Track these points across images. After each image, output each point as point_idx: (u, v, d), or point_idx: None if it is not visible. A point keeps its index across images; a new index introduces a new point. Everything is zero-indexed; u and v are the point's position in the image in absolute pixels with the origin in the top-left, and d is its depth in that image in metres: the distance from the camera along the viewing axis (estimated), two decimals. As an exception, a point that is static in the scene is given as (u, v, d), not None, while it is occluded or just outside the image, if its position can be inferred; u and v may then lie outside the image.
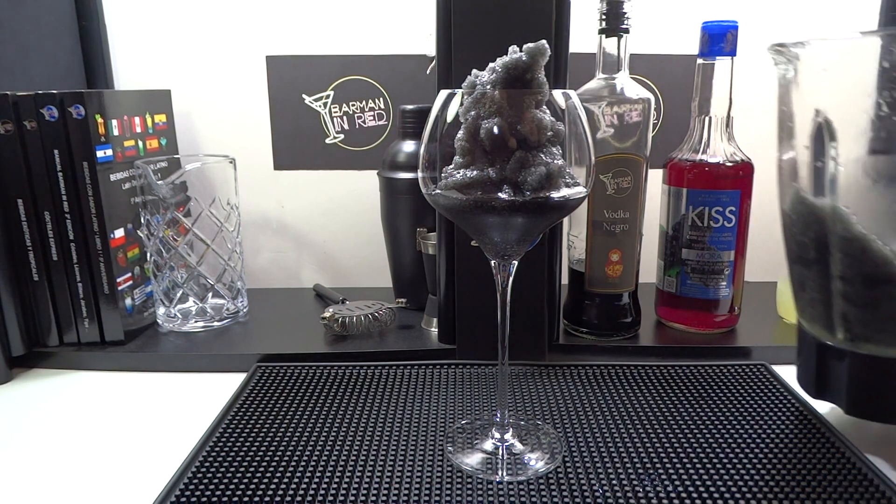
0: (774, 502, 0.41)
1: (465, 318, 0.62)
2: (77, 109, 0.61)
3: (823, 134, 0.42)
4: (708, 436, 0.49)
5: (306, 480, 0.43)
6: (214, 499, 0.42)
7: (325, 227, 0.87)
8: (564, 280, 0.69)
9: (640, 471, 0.44)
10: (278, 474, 0.44)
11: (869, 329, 0.44)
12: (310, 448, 0.47)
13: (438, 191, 0.40)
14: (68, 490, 0.45)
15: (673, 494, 0.42)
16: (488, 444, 0.47)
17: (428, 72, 0.78)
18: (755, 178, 0.65)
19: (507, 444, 0.47)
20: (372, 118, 0.83)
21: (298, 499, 0.41)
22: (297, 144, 0.84)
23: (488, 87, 0.38)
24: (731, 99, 0.63)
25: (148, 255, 0.69)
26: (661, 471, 0.44)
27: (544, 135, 0.38)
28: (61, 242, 0.63)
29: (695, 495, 0.41)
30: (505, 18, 0.55)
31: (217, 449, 0.47)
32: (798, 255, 0.47)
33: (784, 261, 0.72)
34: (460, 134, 0.39)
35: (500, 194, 0.38)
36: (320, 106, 0.82)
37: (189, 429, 0.51)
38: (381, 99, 0.82)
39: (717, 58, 0.62)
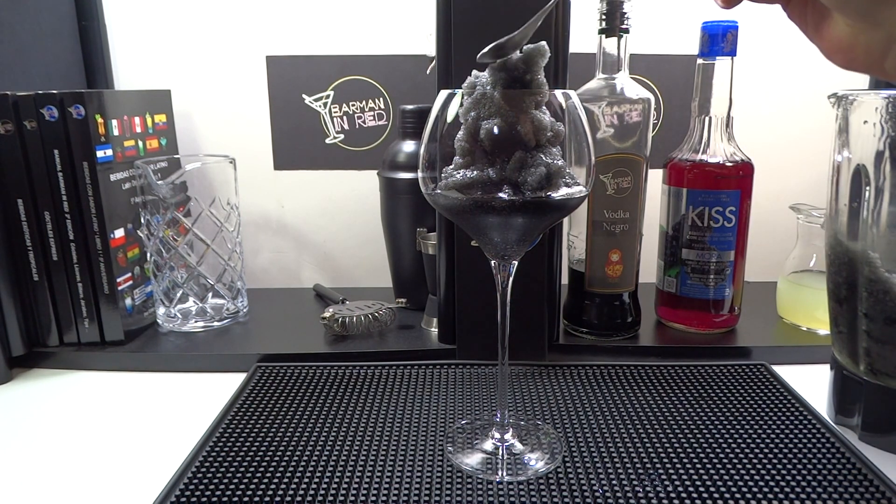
0: (774, 502, 0.41)
1: (465, 318, 0.62)
2: (77, 109, 0.61)
3: (861, 179, 0.46)
4: (708, 436, 0.49)
5: (306, 480, 0.43)
6: (214, 499, 0.42)
7: (325, 227, 0.87)
8: (564, 280, 0.69)
9: (640, 471, 0.44)
10: (278, 474, 0.44)
11: (887, 364, 0.47)
12: (310, 448, 0.47)
13: (438, 191, 0.40)
14: (68, 490, 0.45)
15: (673, 494, 0.42)
16: (488, 444, 0.47)
17: (428, 72, 0.78)
18: (755, 178, 0.65)
19: (507, 444, 0.47)
20: (372, 118, 0.83)
21: (298, 499, 0.41)
22: (297, 144, 0.84)
23: (488, 87, 0.38)
24: (731, 99, 0.63)
25: (148, 255, 0.69)
26: (661, 471, 0.44)
27: (544, 135, 0.38)
28: (61, 242, 0.63)
29: (695, 495, 0.41)
30: (505, 18, 0.54)
31: (217, 449, 0.47)
32: (833, 292, 0.51)
33: (784, 261, 0.73)
34: (460, 134, 0.39)
35: (500, 194, 0.38)
36: (320, 106, 0.82)
37: (189, 429, 0.51)
38: (381, 99, 0.82)
39: (717, 58, 0.62)
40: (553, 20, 0.55)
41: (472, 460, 0.45)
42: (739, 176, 0.64)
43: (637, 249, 0.66)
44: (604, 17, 0.61)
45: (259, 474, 0.44)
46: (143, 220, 0.68)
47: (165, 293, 0.70)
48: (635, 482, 0.43)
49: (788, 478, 0.43)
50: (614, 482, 0.43)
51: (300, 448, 0.47)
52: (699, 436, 0.49)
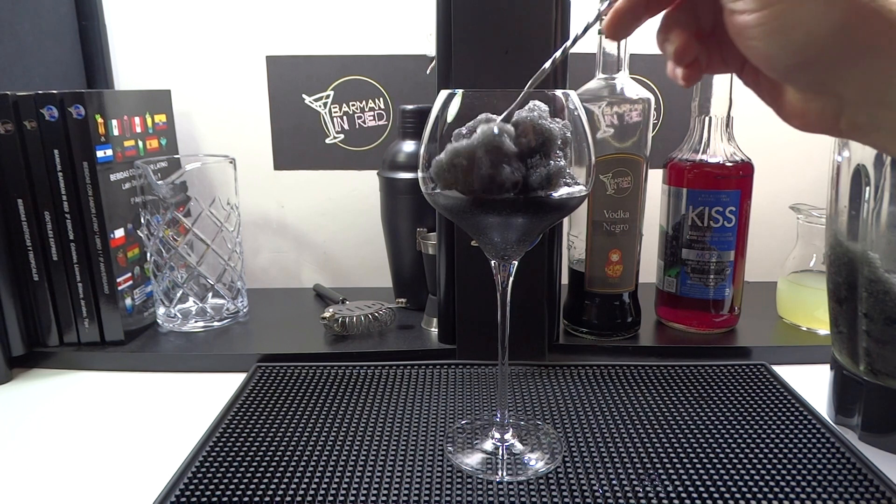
0: (774, 502, 0.41)
1: (465, 318, 0.62)
2: (77, 109, 0.61)
3: (861, 179, 0.46)
4: (708, 436, 0.49)
5: (306, 480, 0.43)
6: (214, 499, 0.42)
7: (325, 227, 0.87)
8: (564, 280, 0.69)
9: (640, 471, 0.44)
10: (278, 474, 0.44)
11: (887, 364, 0.47)
12: (310, 448, 0.47)
13: (438, 190, 0.40)
14: (68, 490, 0.45)
15: (673, 494, 0.42)
16: (488, 444, 0.47)
17: (428, 72, 0.78)
18: (755, 178, 0.65)
19: (507, 444, 0.47)
20: (372, 118, 0.83)
21: (298, 499, 0.41)
22: (297, 144, 0.84)
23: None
24: (731, 99, 0.63)
25: (148, 255, 0.69)
26: (661, 471, 0.44)
27: (555, 144, 0.38)
28: (61, 242, 0.63)
29: (695, 495, 0.41)
30: (505, 18, 0.54)
31: (217, 449, 0.47)
32: (833, 292, 0.51)
33: (784, 261, 0.73)
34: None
35: (500, 194, 0.38)
36: (320, 106, 0.82)
37: (189, 429, 0.51)
38: (381, 99, 0.82)
39: (717, 58, 0.62)
40: (553, 20, 0.55)
41: (472, 460, 0.46)
42: (739, 176, 0.64)
43: (637, 249, 0.66)
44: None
45: (259, 474, 0.44)
46: (143, 220, 0.68)
47: (165, 293, 0.70)
48: (635, 482, 0.43)
49: (788, 478, 0.43)
50: (614, 482, 0.43)
51: (300, 448, 0.47)
52: (699, 436, 0.49)
